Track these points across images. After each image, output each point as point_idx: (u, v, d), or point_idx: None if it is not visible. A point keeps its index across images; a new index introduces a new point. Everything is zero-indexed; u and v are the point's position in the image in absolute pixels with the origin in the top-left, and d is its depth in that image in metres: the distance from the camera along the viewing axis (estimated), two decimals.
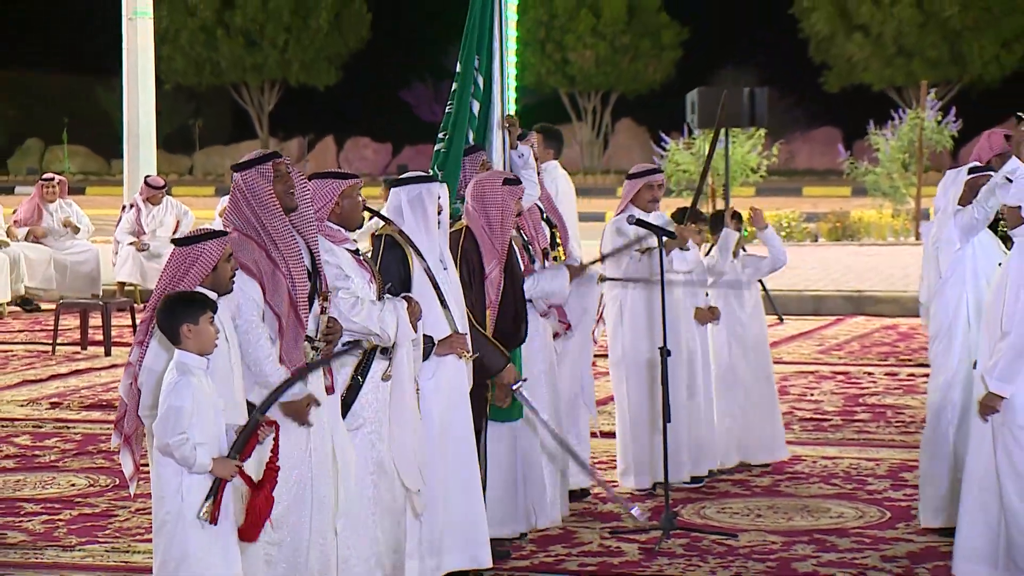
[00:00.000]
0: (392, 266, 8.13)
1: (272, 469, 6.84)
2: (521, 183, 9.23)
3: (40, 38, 61.85)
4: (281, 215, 7.45)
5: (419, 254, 8.21)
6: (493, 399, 8.90)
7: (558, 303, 9.83)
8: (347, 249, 7.89)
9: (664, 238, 9.75)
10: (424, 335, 8.11)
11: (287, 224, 7.47)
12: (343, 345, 7.74)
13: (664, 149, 28.73)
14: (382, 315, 7.75)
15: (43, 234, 20.78)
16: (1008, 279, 7.98)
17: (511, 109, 9.89)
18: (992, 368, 7.94)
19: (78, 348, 17.22)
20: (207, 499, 6.68)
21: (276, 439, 6.87)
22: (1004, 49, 53.10)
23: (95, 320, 17.42)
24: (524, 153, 9.77)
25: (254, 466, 6.88)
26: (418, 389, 8.12)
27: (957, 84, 50.83)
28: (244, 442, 6.77)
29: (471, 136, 9.54)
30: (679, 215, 10.87)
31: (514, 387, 8.82)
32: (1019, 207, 7.95)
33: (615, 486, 10.58)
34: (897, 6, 51.90)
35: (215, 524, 6.70)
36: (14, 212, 21.26)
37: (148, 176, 22.06)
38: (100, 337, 17.10)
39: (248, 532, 6.88)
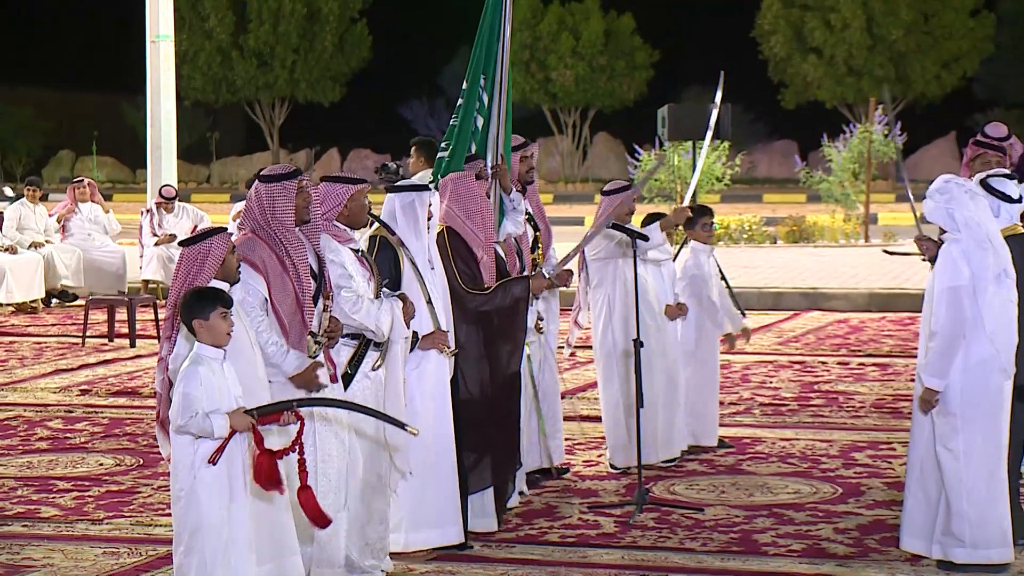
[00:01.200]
0: (384, 265, 8.16)
1: (300, 462, 6.83)
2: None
3: (72, 60, 61.86)
4: (294, 227, 7.51)
5: (409, 255, 8.23)
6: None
7: None
8: (351, 248, 7.91)
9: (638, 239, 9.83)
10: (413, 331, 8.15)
11: (298, 235, 7.53)
12: (343, 339, 7.78)
13: (637, 159, 28.81)
14: (379, 314, 7.79)
15: (71, 210, 20.82)
16: (934, 284, 8.01)
17: (506, 126, 9.87)
18: (925, 366, 7.97)
19: (105, 340, 17.20)
20: (219, 449, 6.69)
21: (300, 432, 6.86)
22: (944, 69, 53.28)
23: (121, 315, 17.41)
24: (515, 199, 9.76)
25: (275, 439, 6.89)
26: (404, 379, 8.14)
27: (902, 101, 50.97)
28: (269, 412, 6.78)
29: (473, 147, 9.58)
30: (648, 220, 10.84)
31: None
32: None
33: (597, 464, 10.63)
34: (847, 30, 52.05)
35: (214, 464, 6.70)
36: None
37: (163, 186, 22.04)
38: (126, 330, 17.09)
39: (317, 521, 6.92)
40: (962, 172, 9.05)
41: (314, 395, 7.25)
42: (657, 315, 10.69)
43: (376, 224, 8.36)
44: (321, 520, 6.92)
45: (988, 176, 8.43)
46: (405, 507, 8.33)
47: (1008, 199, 8.34)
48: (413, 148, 14.24)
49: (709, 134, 12.32)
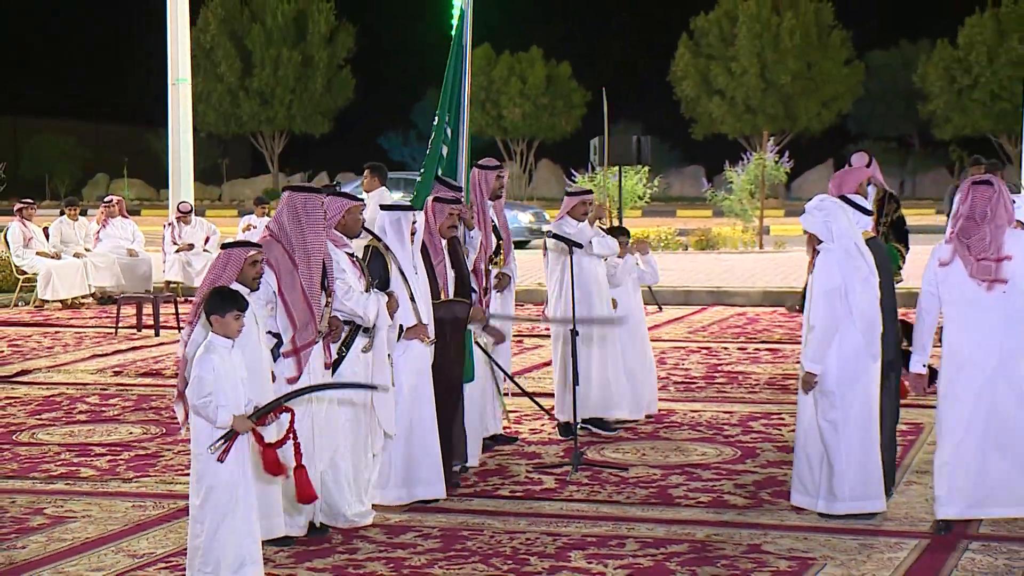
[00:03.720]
0: (376, 269, 8.15)
1: (296, 446, 6.81)
2: (459, 202, 9.14)
3: (106, 98, 61.62)
4: (323, 232, 7.57)
5: (396, 261, 8.23)
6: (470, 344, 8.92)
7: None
8: (346, 252, 7.91)
9: (574, 247, 9.86)
10: (399, 324, 8.14)
11: (323, 239, 7.57)
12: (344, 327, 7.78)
13: (573, 181, 28.85)
14: (367, 303, 7.81)
15: (103, 222, 20.75)
16: (813, 285, 8.04)
17: (465, 157, 9.88)
18: (805, 353, 8.01)
19: (134, 330, 17.11)
20: (220, 440, 6.66)
21: (292, 421, 6.82)
22: (824, 108, 53.76)
23: (147, 310, 17.34)
24: (474, 236, 9.76)
25: (273, 431, 6.86)
26: (393, 363, 8.13)
27: (790, 134, 51.25)
28: (264, 413, 6.74)
29: (440, 171, 9.60)
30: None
31: (486, 323, 8.84)
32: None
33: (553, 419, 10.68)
34: (745, 76, 52.42)
35: (222, 462, 6.67)
36: None
37: (180, 203, 22.01)
38: (151, 322, 17.03)
39: (307, 497, 6.91)
40: (831, 192, 9.02)
41: (295, 388, 7.17)
42: (607, 301, 10.68)
43: (371, 236, 8.37)
44: (310, 496, 6.91)
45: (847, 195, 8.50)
46: (395, 468, 8.32)
47: (865, 211, 8.43)
48: (367, 171, 14.48)
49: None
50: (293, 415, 6.83)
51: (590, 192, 10.87)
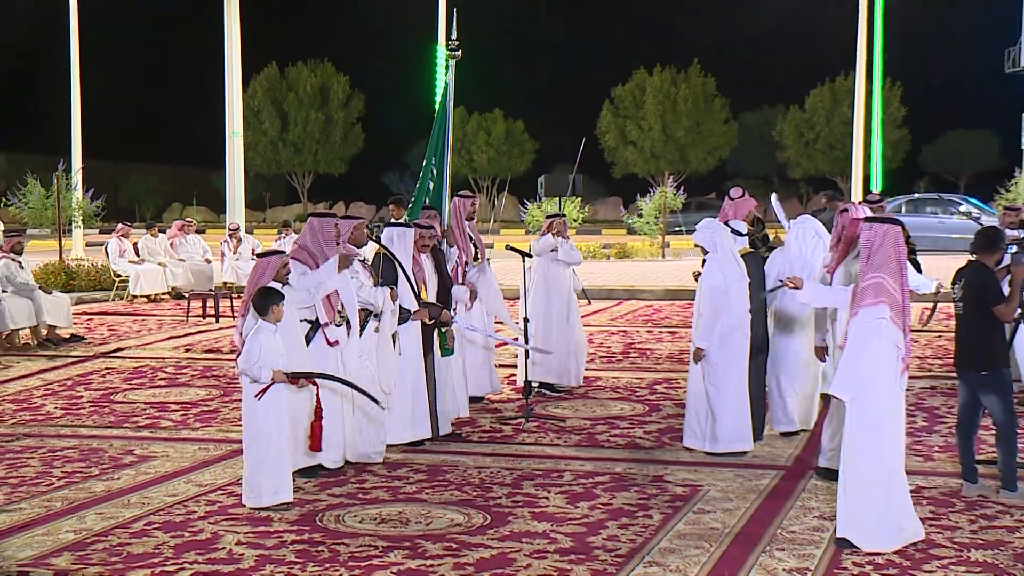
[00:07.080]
0: (387, 270, 8.15)
1: (318, 407, 6.87)
2: (431, 228, 9.06)
3: (179, 146, 61.25)
4: (335, 244, 7.58)
5: (401, 265, 8.22)
6: (443, 338, 8.82)
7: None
8: (357, 259, 7.89)
9: (526, 257, 9.86)
10: (403, 308, 8.14)
11: (335, 247, 7.59)
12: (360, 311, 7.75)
13: (525, 209, 28.93)
14: (376, 295, 7.79)
15: (177, 236, 20.56)
16: (703, 283, 8.05)
17: (448, 190, 9.87)
18: (696, 332, 8.01)
19: (200, 318, 16.98)
20: (261, 391, 6.67)
21: (318, 396, 6.86)
22: (709, 155, 54.07)
23: (210, 303, 17.23)
24: (451, 252, 9.73)
25: (306, 401, 6.84)
26: (397, 337, 8.10)
27: (684, 174, 51.47)
28: (298, 376, 6.73)
29: (427, 201, 9.57)
30: None
31: (452, 323, 8.77)
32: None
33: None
34: (651, 131, 52.77)
35: (259, 399, 6.66)
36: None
37: (232, 224, 21.97)
38: (213, 312, 16.91)
39: (314, 447, 6.95)
40: (720, 217, 8.96)
41: (326, 372, 7.12)
42: (565, 295, 10.63)
43: (379, 246, 8.36)
44: (318, 448, 6.96)
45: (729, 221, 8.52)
46: (396, 416, 8.28)
47: (739, 234, 8.46)
48: (392, 204, 14.48)
49: (570, 187, 12.58)
50: (318, 387, 6.85)
51: (562, 215, 10.84)
